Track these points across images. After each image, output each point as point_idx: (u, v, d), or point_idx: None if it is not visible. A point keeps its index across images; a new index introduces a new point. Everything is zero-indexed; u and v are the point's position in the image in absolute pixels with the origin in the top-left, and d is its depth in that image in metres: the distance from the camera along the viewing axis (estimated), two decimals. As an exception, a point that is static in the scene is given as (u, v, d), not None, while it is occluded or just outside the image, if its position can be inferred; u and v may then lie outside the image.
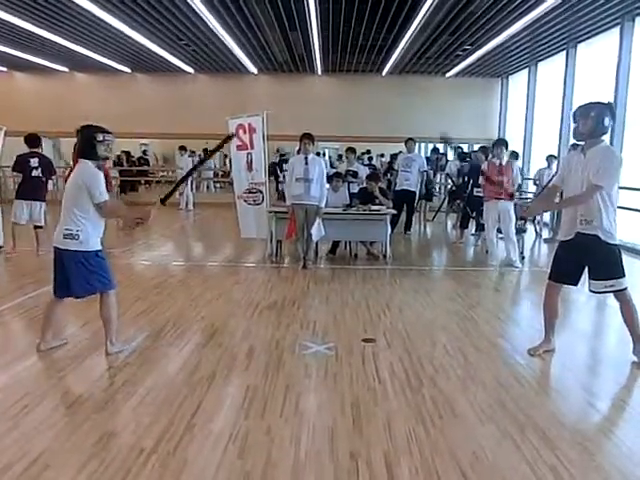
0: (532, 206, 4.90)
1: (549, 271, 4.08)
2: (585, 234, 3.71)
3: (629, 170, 8.94)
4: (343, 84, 15.08)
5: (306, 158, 6.86)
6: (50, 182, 7.80)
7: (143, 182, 18.35)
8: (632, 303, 3.85)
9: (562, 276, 3.99)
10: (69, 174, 4.09)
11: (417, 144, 14.16)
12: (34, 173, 7.41)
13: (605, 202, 3.66)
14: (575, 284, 4.02)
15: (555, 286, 4.06)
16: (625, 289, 3.80)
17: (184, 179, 4.33)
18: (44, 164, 7.54)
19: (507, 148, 7.56)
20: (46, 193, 7.70)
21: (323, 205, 6.96)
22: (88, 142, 3.73)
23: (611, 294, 3.89)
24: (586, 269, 3.84)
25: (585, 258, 3.78)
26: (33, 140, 7.58)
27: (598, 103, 3.75)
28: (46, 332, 3.97)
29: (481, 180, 7.70)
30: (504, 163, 7.38)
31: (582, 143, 3.81)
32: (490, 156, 9.14)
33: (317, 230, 6.98)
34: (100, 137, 3.72)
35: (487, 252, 8.02)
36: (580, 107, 3.78)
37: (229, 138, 4.56)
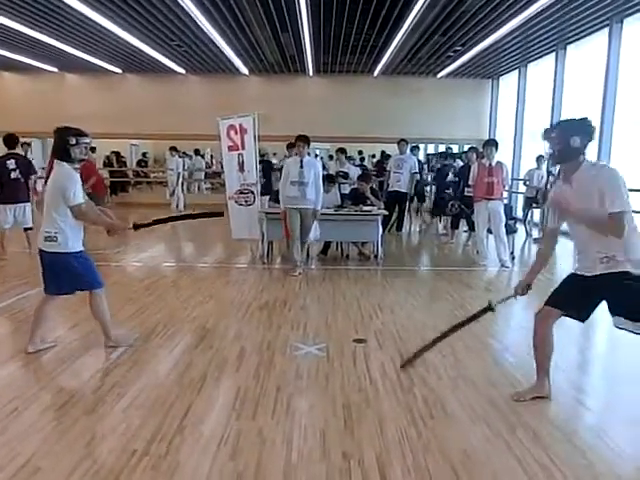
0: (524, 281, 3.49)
1: (549, 296, 3.28)
2: (611, 273, 2.97)
3: (619, 171, 9.04)
4: (334, 85, 15.09)
5: (301, 161, 6.74)
6: (32, 181, 7.61)
7: (133, 183, 18.28)
8: None
9: (568, 306, 3.20)
10: (47, 175, 4.12)
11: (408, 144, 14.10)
12: (12, 175, 7.28)
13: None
14: (582, 321, 3.24)
15: (553, 313, 3.24)
16: None
17: (164, 221, 4.28)
18: (22, 165, 7.41)
19: (497, 148, 7.56)
20: (29, 193, 7.56)
21: (319, 207, 6.86)
22: (62, 145, 3.72)
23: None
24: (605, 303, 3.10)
25: (608, 294, 3.03)
26: (11, 141, 7.45)
27: (563, 122, 3.25)
28: (35, 334, 3.96)
29: (471, 180, 7.69)
30: (494, 164, 7.37)
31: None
32: (475, 157, 9.22)
33: (313, 232, 6.94)
34: (73, 140, 3.71)
35: (477, 252, 8.06)
36: (545, 129, 3.32)
37: (218, 215, 4.47)
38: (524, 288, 3.39)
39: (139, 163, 20.39)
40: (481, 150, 7.93)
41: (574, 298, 3.15)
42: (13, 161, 7.33)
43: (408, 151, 10.42)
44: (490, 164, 7.35)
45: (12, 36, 10.86)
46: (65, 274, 3.78)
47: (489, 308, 3.58)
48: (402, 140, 10.32)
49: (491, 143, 7.63)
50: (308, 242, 7.13)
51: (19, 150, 7.73)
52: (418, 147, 12.89)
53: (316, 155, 10.68)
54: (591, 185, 2.93)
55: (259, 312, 5.16)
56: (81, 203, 3.68)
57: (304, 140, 6.80)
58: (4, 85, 15.31)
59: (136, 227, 4.20)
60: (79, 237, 3.82)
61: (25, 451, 2.63)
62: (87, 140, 3.82)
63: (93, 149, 17.41)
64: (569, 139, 2.96)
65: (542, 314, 3.29)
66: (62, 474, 2.46)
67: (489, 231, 7.81)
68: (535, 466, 2.59)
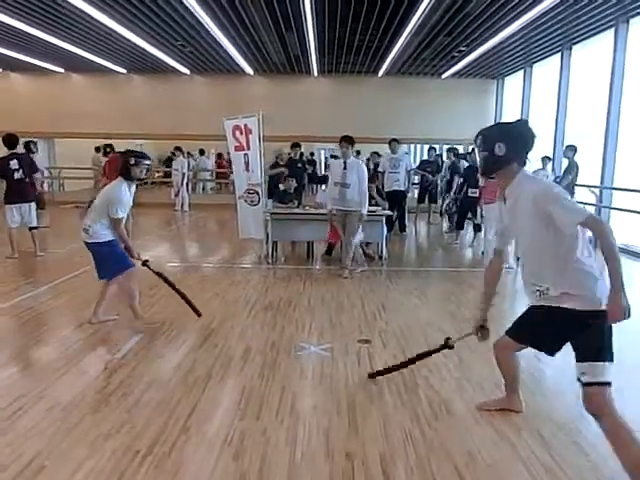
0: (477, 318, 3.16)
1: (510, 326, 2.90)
2: (550, 307, 2.51)
3: (625, 171, 9.01)
4: (339, 85, 15.08)
5: (345, 162, 6.60)
6: (37, 181, 7.64)
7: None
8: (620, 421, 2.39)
9: (527, 339, 2.81)
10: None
11: (413, 145, 14.18)
12: (16, 175, 7.30)
13: (561, 252, 2.41)
14: (551, 354, 2.80)
15: (511, 345, 2.89)
16: (608, 384, 2.42)
17: (168, 282, 4.71)
18: (25, 164, 7.41)
19: None
20: (34, 192, 7.59)
21: (365, 211, 6.64)
22: (124, 164, 4.41)
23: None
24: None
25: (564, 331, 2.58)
26: (11, 141, 7.43)
27: (488, 127, 2.76)
28: (98, 307, 4.58)
29: (482, 182, 7.51)
30: None
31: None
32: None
33: (357, 235, 6.78)
34: (133, 161, 4.37)
35: (482, 253, 8.03)
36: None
37: (197, 313, 4.77)
38: (478, 329, 3.03)
39: None
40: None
41: (534, 333, 2.77)
42: (16, 161, 7.34)
43: (400, 150, 10.51)
44: None
45: (18, 36, 10.91)
46: (100, 259, 4.47)
47: (447, 345, 3.34)
48: (394, 140, 10.33)
49: None
50: (352, 245, 6.95)
51: (20, 149, 7.72)
52: (435, 148, 12.89)
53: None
54: (528, 202, 2.43)
55: (264, 312, 5.17)
56: (119, 218, 4.33)
57: (348, 141, 6.63)
58: (10, 85, 15.38)
59: (144, 263, 4.65)
60: (109, 231, 4.43)
61: (30, 450, 2.65)
62: (147, 162, 4.47)
63: (98, 149, 17.51)
64: (493, 146, 2.54)
65: (500, 344, 2.97)
66: (66, 473, 2.47)
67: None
68: (540, 468, 2.59)
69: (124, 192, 4.37)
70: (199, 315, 4.73)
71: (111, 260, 4.44)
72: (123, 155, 4.54)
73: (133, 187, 4.50)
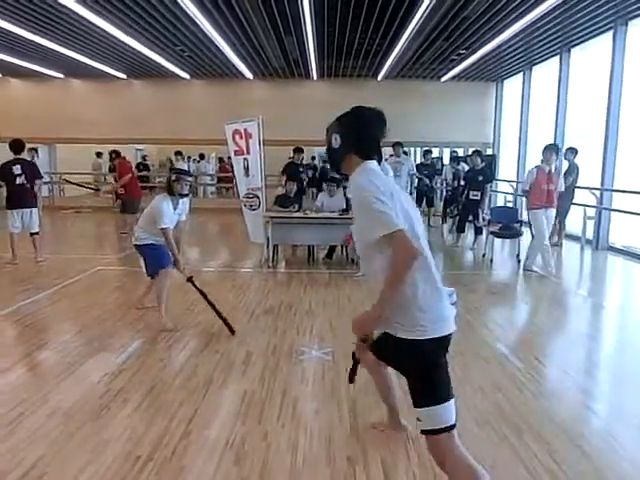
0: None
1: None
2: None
3: (626, 173, 9.01)
4: (338, 89, 15.10)
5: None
6: (37, 187, 7.60)
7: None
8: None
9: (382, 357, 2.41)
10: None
11: (413, 148, 14.17)
12: (18, 181, 7.29)
13: (385, 264, 1.98)
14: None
15: (372, 360, 2.49)
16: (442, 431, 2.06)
17: (207, 300, 4.83)
18: (27, 170, 7.42)
19: (558, 154, 7.18)
20: (35, 197, 7.58)
21: None
22: (168, 181, 4.83)
23: None
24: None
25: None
26: (18, 146, 7.44)
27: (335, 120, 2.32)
28: (144, 297, 5.23)
29: (528, 186, 7.08)
30: (553, 170, 7.04)
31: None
32: (480, 160, 9.19)
33: None
34: (174, 177, 4.76)
35: (483, 255, 8.00)
36: None
37: (231, 331, 4.64)
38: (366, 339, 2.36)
39: (138, 167, 20.03)
40: (470, 155, 7.72)
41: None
42: (19, 166, 7.34)
43: (403, 154, 10.52)
44: (550, 170, 6.98)
45: (18, 42, 10.94)
46: (145, 258, 4.92)
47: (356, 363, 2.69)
48: (397, 143, 10.29)
49: (551, 148, 7.07)
50: None
51: (25, 155, 7.74)
52: (431, 151, 12.90)
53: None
54: (354, 199, 2.16)
55: (264, 316, 5.16)
56: (163, 227, 4.64)
57: None
58: (11, 91, 15.42)
59: (189, 279, 4.82)
60: (153, 237, 4.79)
61: (31, 456, 2.64)
62: (188, 179, 4.86)
63: (99, 154, 17.55)
64: (331, 138, 2.27)
65: (369, 364, 2.65)
66: (68, 479, 2.47)
67: (495, 235, 7.75)
68: (542, 470, 2.58)
69: (166, 207, 4.69)
70: (233, 333, 4.59)
71: (150, 260, 4.88)
72: (169, 172, 5.08)
73: (181, 201, 4.83)
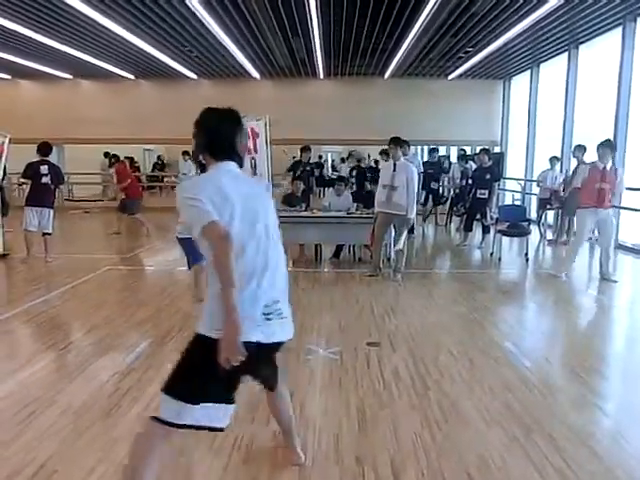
0: None
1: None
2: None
3: (634, 170, 8.93)
4: (345, 88, 15.09)
5: (395, 164, 6.47)
6: (58, 190, 7.85)
7: (146, 187, 18.45)
8: None
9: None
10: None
11: (420, 147, 14.12)
12: (43, 180, 7.50)
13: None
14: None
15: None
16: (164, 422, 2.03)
17: None
18: (53, 172, 7.64)
19: (613, 151, 6.65)
20: (54, 200, 7.79)
21: (411, 215, 6.46)
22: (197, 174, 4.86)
23: None
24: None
25: None
26: (46, 149, 7.67)
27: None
28: (197, 288, 5.34)
29: (578, 183, 6.75)
30: (608, 168, 6.50)
31: None
32: (487, 158, 9.12)
33: (400, 240, 6.60)
34: (200, 170, 4.68)
35: (491, 254, 7.96)
36: None
37: None
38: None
39: (154, 167, 20.69)
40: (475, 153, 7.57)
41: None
42: (46, 167, 7.54)
43: (410, 152, 10.44)
44: (604, 168, 6.46)
45: (27, 44, 11.01)
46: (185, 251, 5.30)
47: None
48: (405, 142, 10.24)
49: (606, 144, 6.59)
50: (390, 250, 6.89)
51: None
52: (437, 149, 12.86)
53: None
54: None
55: (272, 316, 5.16)
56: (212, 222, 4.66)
57: (396, 142, 6.51)
58: (20, 92, 15.52)
59: None
60: (185, 232, 4.92)
61: (42, 454, 2.66)
62: None
63: (107, 154, 17.65)
64: (193, 139, 2.25)
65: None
66: (78, 477, 2.49)
67: (503, 234, 7.71)
68: (551, 471, 2.57)
69: None
70: None
71: (187, 254, 5.25)
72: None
73: None
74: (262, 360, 2.22)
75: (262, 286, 2.06)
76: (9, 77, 15.13)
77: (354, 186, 11.50)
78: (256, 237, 2.06)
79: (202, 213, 1.94)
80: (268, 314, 2.08)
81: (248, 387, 3.49)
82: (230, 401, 2.12)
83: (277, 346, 2.22)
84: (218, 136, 2.13)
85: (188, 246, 5.10)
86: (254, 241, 2.05)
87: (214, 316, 1.97)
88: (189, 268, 5.42)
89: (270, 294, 2.10)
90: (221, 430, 2.13)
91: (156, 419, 2.04)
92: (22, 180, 7.73)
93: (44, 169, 7.50)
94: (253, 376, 2.34)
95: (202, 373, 2.01)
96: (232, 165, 2.14)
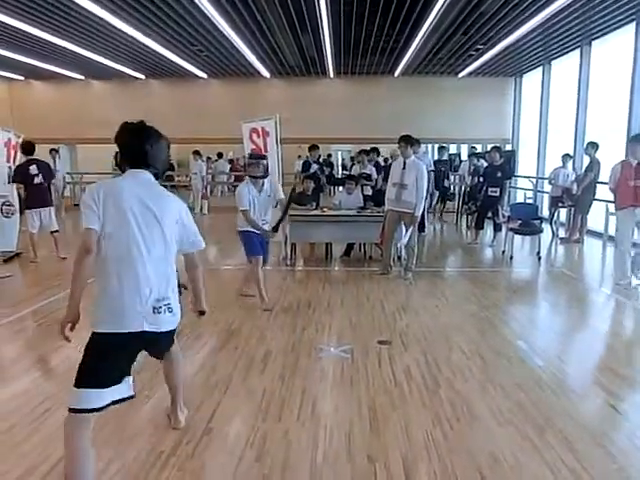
0: None
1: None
2: None
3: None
4: (355, 86, 15.07)
5: (404, 162, 6.48)
6: (54, 186, 7.81)
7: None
8: None
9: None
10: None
11: (431, 145, 14.01)
12: (36, 180, 7.46)
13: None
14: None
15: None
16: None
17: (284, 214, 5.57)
18: (43, 169, 7.59)
19: None
20: (51, 197, 7.77)
21: (418, 213, 6.44)
22: (244, 165, 5.26)
23: None
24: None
25: None
26: (30, 148, 7.59)
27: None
28: (261, 293, 5.37)
29: (612, 183, 6.35)
30: None
31: None
32: (498, 156, 9.05)
33: (403, 237, 6.59)
34: (248, 162, 5.25)
35: (503, 252, 7.90)
36: None
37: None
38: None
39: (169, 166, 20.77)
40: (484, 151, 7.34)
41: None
42: (35, 166, 7.51)
43: (420, 150, 10.39)
44: (638, 164, 6.05)
45: (40, 45, 11.12)
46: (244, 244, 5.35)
47: None
48: (416, 140, 10.19)
49: (637, 139, 6.21)
50: (399, 245, 6.88)
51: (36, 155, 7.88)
52: (446, 147, 12.81)
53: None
54: None
55: (283, 314, 5.18)
56: (242, 209, 5.07)
57: (406, 140, 6.51)
58: (33, 93, 15.69)
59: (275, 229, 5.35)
60: (245, 225, 5.15)
61: (57, 452, 2.68)
62: (263, 161, 5.20)
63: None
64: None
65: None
66: (90, 476, 2.50)
67: (515, 232, 7.64)
68: (564, 470, 2.55)
69: (245, 190, 5.08)
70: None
71: (244, 246, 5.31)
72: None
73: (265, 181, 5.16)
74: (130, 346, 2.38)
75: (146, 279, 2.28)
76: (22, 78, 15.29)
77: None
78: (139, 235, 2.27)
79: (85, 218, 2.22)
80: (157, 309, 2.32)
81: (259, 387, 3.51)
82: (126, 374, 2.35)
83: (162, 335, 2.41)
84: (127, 148, 2.42)
85: (243, 240, 5.27)
86: (137, 243, 2.26)
87: (92, 313, 2.28)
88: (249, 261, 5.40)
89: (152, 287, 2.30)
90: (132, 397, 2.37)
91: (75, 411, 2.21)
92: (15, 186, 7.58)
93: (33, 169, 7.45)
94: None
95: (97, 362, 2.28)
96: (141, 172, 2.38)
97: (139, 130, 2.45)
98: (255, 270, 5.27)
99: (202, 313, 2.81)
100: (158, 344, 2.55)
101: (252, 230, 5.13)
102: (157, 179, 2.44)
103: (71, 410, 2.20)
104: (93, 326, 2.29)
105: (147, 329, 2.28)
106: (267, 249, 5.48)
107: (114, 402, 2.26)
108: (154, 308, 2.30)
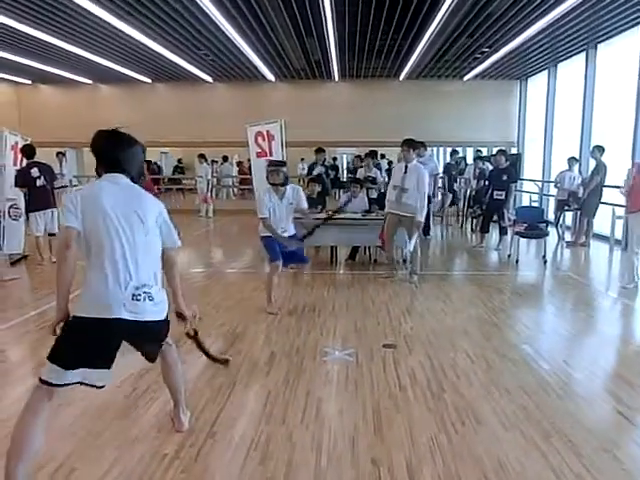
0: None
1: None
2: None
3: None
4: (360, 89, 15.08)
5: (406, 166, 6.45)
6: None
7: (163, 190, 18.65)
8: None
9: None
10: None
11: (436, 148, 13.99)
12: (38, 183, 7.47)
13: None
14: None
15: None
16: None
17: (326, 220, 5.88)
18: (45, 171, 7.61)
19: None
20: (54, 199, 7.78)
21: (420, 218, 6.40)
22: (267, 173, 5.28)
23: None
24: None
25: None
26: (30, 151, 7.61)
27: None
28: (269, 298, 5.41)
29: (625, 189, 6.33)
30: None
31: None
32: (504, 159, 9.03)
33: (408, 242, 6.54)
34: (269, 169, 5.26)
35: (509, 256, 7.86)
36: None
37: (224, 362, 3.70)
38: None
39: (175, 170, 21.02)
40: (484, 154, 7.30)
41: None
42: (36, 169, 7.52)
43: (426, 154, 10.37)
44: None
45: (48, 50, 11.21)
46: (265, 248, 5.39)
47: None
48: (421, 144, 10.17)
49: None
50: (405, 251, 6.85)
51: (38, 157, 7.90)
52: (457, 151, 12.81)
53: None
54: None
55: (288, 317, 5.18)
56: (261, 217, 5.11)
57: (409, 144, 6.50)
58: (41, 97, 15.80)
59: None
60: (265, 231, 5.19)
61: (62, 452, 2.70)
62: (283, 169, 5.20)
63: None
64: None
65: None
66: (96, 476, 2.52)
67: (521, 235, 7.60)
68: (571, 475, 2.53)
69: (266, 198, 5.12)
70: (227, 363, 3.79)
71: (265, 250, 5.37)
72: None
73: (288, 188, 5.19)
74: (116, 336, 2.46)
75: (125, 267, 2.38)
76: (30, 82, 15.40)
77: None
78: (119, 228, 2.38)
79: (65, 218, 2.36)
80: (136, 295, 2.37)
81: (263, 390, 3.51)
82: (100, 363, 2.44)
83: (144, 325, 2.43)
84: (103, 154, 2.53)
85: (264, 245, 5.33)
86: (118, 236, 2.38)
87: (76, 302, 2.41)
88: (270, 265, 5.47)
89: (132, 274, 2.39)
90: (101, 387, 2.47)
91: (41, 381, 2.35)
92: (19, 190, 7.54)
93: (35, 172, 7.46)
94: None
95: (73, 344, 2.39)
96: (118, 176, 2.49)
97: (113, 136, 2.57)
98: (270, 274, 5.33)
99: (181, 317, 2.78)
100: (141, 336, 2.51)
101: (267, 234, 5.20)
102: (134, 183, 2.54)
103: (39, 380, 2.36)
104: (74, 311, 2.40)
105: (125, 316, 2.33)
106: (300, 253, 5.50)
107: (79, 383, 2.38)
108: (133, 295, 2.36)
